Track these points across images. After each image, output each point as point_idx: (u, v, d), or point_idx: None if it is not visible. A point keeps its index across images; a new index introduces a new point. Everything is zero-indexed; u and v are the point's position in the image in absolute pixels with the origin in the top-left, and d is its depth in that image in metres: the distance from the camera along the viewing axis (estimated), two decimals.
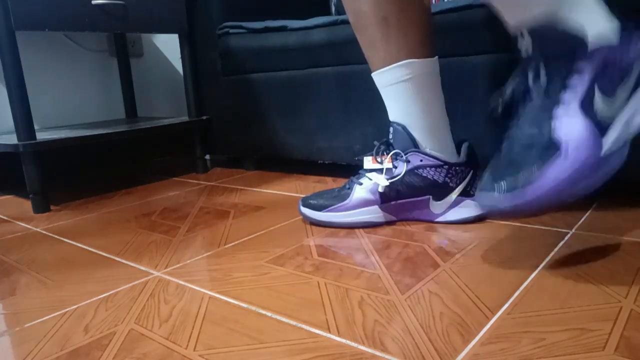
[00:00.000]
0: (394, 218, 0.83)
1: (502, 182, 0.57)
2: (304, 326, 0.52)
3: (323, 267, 0.68)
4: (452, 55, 0.95)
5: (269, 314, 0.56)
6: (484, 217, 0.81)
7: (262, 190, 1.15)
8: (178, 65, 1.76)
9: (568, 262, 0.63)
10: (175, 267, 0.71)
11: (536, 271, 0.61)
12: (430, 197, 0.81)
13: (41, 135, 1.16)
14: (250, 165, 1.42)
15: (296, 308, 0.56)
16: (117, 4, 1.15)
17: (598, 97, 0.57)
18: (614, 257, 0.64)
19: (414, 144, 0.79)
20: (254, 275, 0.66)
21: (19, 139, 1.05)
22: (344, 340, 0.49)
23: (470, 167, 0.81)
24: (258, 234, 0.84)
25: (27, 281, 0.70)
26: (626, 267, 0.61)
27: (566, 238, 0.71)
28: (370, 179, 0.81)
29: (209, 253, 0.76)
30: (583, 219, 0.79)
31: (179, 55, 1.43)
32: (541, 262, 0.64)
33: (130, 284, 0.66)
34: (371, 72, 0.81)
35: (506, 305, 0.53)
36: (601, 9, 0.58)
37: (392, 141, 0.82)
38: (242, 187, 1.19)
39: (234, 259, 0.73)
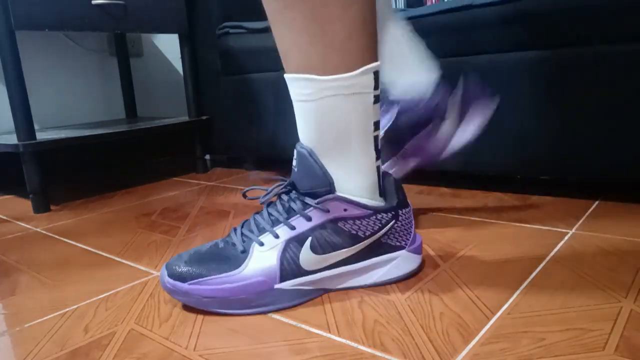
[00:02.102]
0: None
1: (182, 268, 0.57)
2: (304, 326, 0.52)
3: None
4: (452, 55, 0.95)
5: (269, 314, 0.56)
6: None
7: (262, 189, 1.15)
8: (178, 65, 1.76)
9: (568, 262, 0.63)
10: None
11: (536, 271, 0.61)
12: None
13: (41, 135, 1.16)
14: (250, 165, 1.42)
15: (296, 308, 0.56)
16: (117, 4, 1.15)
17: (308, 247, 0.57)
18: (614, 257, 0.64)
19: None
20: None
21: (19, 139, 1.05)
22: (344, 340, 0.49)
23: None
24: None
25: (27, 281, 0.70)
26: (626, 267, 0.61)
27: (566, 238, 0.71)
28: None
29: None
30: (583, 219, 0.79)
31: (179, 55, 1.43)
32: (541, 262, 0.64)
33: (130, 284, 0.66)
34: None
35: (506, 305, 0.53)
36: (361, 173, 0.57)
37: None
38: (242, 187, 1.19)
39: None
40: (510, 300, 0.54)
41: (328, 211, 0.57)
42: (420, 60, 0.75)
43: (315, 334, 0.51)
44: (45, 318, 0.58)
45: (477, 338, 0.48)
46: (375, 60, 0.55)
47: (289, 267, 0.56)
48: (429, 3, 1.81)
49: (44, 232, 0.94)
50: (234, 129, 1.38)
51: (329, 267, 0.58)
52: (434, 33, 0.97)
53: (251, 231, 0.59)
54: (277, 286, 0.56)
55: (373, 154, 0.57)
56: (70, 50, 1.50)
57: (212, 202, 1.07)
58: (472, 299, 0.55)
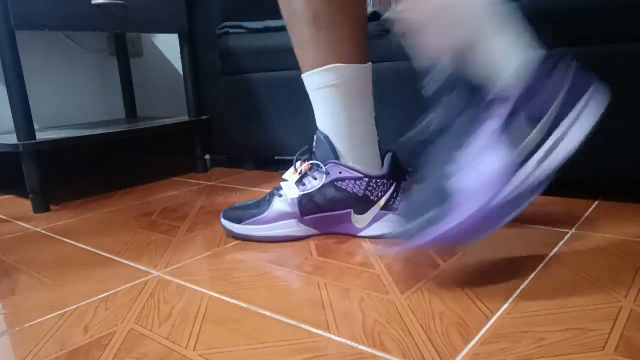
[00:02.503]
0: (316, 232, 0.79)
1: (410, 223, 0.56)
2: (304, 326, 0.52)
3: (323, 267, 0.68)
4: None
5: (269, 314, 0.56)
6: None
7: (262, 190, 1.15)
8: (178, 65, 1.76)
9: (568, 262, 0.63)
10: (175, 267, 0.71)
11: (536, 271, 0.61)
12: (352, 210, 0.76)
13: (41, 135, 1.16)
14: (250, 165, 1.42)
15: (296, 308, 0.56)
16: (117, 4, 1.15)
17: (517, 130, 0.55)
18: (614, 257, 0.64)
19: (335, 155, 0.75)
20: (254, 275, 0.66)
21: (19, 139, 1.05)
22: (344, 340, 0.49)
23: (393, 180, 0.76)
24: None
25: (27, 281, 0.70)
26: (626, 267, 0.61)
27: (566, 238, 0.71)
28: (290, 189, 0.77)
29: (209, 253, 0.76)
30: (583, 219, 0.79)
31: (179, 55, 1.43)
32: (541, 262, 0.64)
33: (130, 284, 0.66)
34: (301, 74, 0.77)
35: (506, 305, 0.53)
36: (524, 39, 0.56)
37: (314, 149, 0.78)
38: (242, 187, 1.19)
39: (234, 259, 0.73)
40: (510, 300, 0.54)
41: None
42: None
43: (315, 334, 0.51)
44: (45, 318, 0.58)
45: (477, 338, 0.48)
46: None
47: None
48: None
49: (44, 232, 0.94)
50: (234, 129, 1.38)
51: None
52: None
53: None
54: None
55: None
56: (70, 50, 1.50)
57: (212, 202, 1.07)
58: (472, 299, 0.55)
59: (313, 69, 0.74)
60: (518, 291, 0.56)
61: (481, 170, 0.54)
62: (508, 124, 0.55)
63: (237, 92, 1.33)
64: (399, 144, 0.75)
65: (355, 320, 0.53)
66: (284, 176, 0.80)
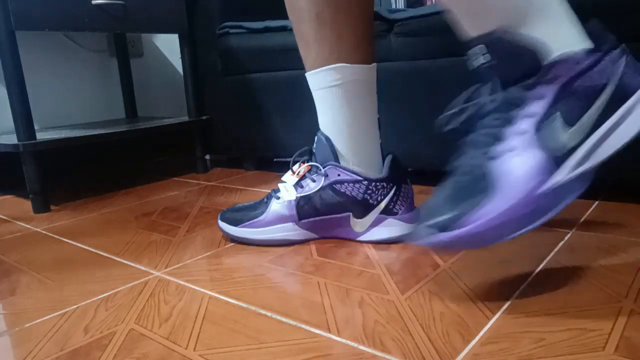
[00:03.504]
0: (314, 236, 0.78)
1: (438, 218, 0.52)
2: (304, 326, 0.52)
3: (323, 267, 0.68)
4: (458, 55, 0.95)
5: (269, 314, 0.56)
6: (406, 238, 0.75)
7: (262, 190, 1.15)
8: (178, 65, 1.76)
9: (568, 262, 0.63)
10: (175, 267, 0.71)
11: (536, 271, 0.61)
12: (350, 214, 0.75)
13: (41, 135, 1.16)
14: (250, 165, 1.42)
15: (296, 308, 0.56)
16: (117, 4, 1.15)
17: (558, 124, 0.52)
18: (614, 257, 0.64)
19: (335, 157, 0.74)
20: (254, 275, 0.66)
21: (19, 139, 1.05)
22: (344, 340, 0.49)
23: (393, 183, 0.74)
24: None
25: (27, 281, 0.70)
26: (626, 267, 0.61)
27: (566, 238, 0.71)
28: (287, 191, 0.76)
29: (209, 253, 0.76)
30: (583, 219, 0.79)
31: (179, 55, 1.43)
32: (541, 262, 0.64)
33: (130, 284, 0.66)
34: (305, 73, 0.76)
35: (506, 305, 0.53)
36: (572, 24, 0.53)
37: (314, 150, 0.76)
38: (242, 187, 1.19)
39: (234, 259, 0.73)
40: (510, 300, 0.54)
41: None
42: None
43: (315, 334, 0.51)
44: (45, 318, 0.58)
45: (477, 338, 0.48)
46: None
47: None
48: (428, 3, 1.81)
49: (44, 232, 0.94)
50: (234, 129, 1.38)
51: None
52: (438, 33, 0.97)
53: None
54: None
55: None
56: (70, 50, 1.50)
57: (212, 202, 1.07)
58: (472, 299, 0.55)
59: (316, 67, 0.73)
60: (518, 291, 0.56)
61: (529, 156, 0.51)
62: (557, 105, 0.52)
63: (237, 92, 1.33)
64: (438, 122, 0.63)
65: (355, 320, 0.53)
66: (283, 178, 0.79)
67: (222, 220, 0.80)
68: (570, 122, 0.52)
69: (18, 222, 1.02)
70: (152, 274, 0.70)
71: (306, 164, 0.77)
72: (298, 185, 0.76)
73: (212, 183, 1.27)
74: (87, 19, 1.10)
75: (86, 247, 0.83)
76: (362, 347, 0.47)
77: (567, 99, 0.52)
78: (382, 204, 0.74)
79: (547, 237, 0.72)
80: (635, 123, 0.52)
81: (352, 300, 0.57)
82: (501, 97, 0.54)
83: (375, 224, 0.75)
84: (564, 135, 0.52)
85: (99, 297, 0.63)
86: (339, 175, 0.73)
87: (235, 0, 1.36)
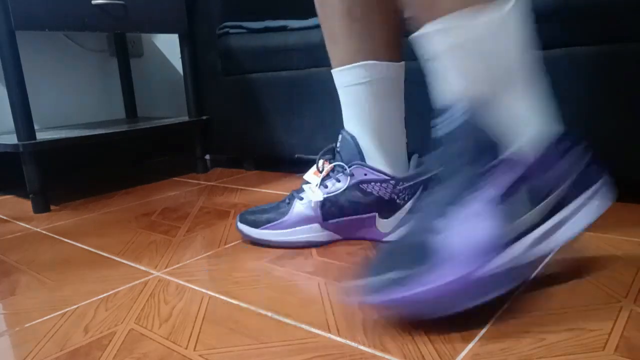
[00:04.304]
0: (338, 237, 0.76)
1: (379, 277, 0.50)
2: (304, 326, 0.52)
3: (323, 267, 0.68)
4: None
5: (269, 314, 0.56)
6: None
7: (262, 190, 1.15)
8: (178, 65, 1.76)
9: (568, 262, 0.63)
10: (175, 267, 0.71)
11: (536, 271, 0.61)
12: (376, 214, 0.73)
13: (41, 135, 1.16)
14: (250, 165, 1.42)
15: (296, 308, 0.56)
16: (117, 4, 1.15)
17: (517, 203, 0.51)
18: (614, 257, 0.64)
19: (361, 156, 0.72)
20: (254, 275, 0.66)
21: (19, 139, 1.05)
22: (344, 340, 0.49)
23: (421, 183, 0.73)
24: None
25: (27, 281, 0.70)
26: (626, 267, 0.61)
27: None
28: (312, 192, 0.74)
29: (209, 253, 0.76)
30: None
31: (179, 55, 1.43)
32: (541, 263, 0.64)
33: (130, 284, 0.66)
34: (331, 69, 0.74)
35: (506, 305, 0.53)
36: (548, 107, 0.53)
37: (338, 149, 0.74)
38: (242, 187, 1.19)
39: (234, 259, 0.73)
40: (511, 300, 0.54)
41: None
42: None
43: (315, 334, 0.51)
44: (45, 318, 0.58)
45: (477, 338, 0.48)
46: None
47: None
48: None
49: (44, 232, 0.94)
50: (234, 129, 1.38)
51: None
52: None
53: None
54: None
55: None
56: (70, 50, 1.50)
57: (212, 202, 1.07)
58: None
59: (344, 64, 0.71)
60: (518, 291, 0.56)
61: (471, 235, 0.49)
62: (509, 194, 0.50)
63: (237, 92, 1.33)
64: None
65: (355, 320, 0.53)
66: (305, 177, 0.76)
67: (242, 222, 0.77)
68: (513, 217, 0.51)
69: (18, 222, 1.02)
70: (152, 274, 0.70)
71: (330, 164, 0.75)
72: (322, 185, 0.74)
73: (212, 183, 1.27)
74: (87, 19, 1.10)
75: (86, 247, 0.83)
76: (362, 347, 0.47)
77: (530, 180, 0.52)
78: (409, 204, 0.72)
79: None
80: (585, 218, 0.54)
81: (352, 301, 0.57)
82: (456, 175, 0.52)
83: (402, 224, 0.73)
84: (512, 223, 0.51)
85: (99, 297, 0.63)
86: (365, 174, 0.71)
87: (235, 0, 1.36)
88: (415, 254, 0.50)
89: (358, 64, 0.69)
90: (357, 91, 0.71)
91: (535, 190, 0.52)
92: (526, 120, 0.52)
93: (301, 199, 0.74)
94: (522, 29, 0.51)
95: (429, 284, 0.47)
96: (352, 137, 0.72)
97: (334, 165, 0.74)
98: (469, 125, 0.51)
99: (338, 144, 0.75)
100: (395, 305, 0.49)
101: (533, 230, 0.52)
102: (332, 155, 0.76)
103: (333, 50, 0.73)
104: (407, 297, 0.48)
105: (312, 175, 0.76)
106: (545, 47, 0.85)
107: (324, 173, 0.74)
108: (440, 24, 0.50)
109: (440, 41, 0.51)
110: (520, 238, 0.51)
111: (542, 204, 0.52)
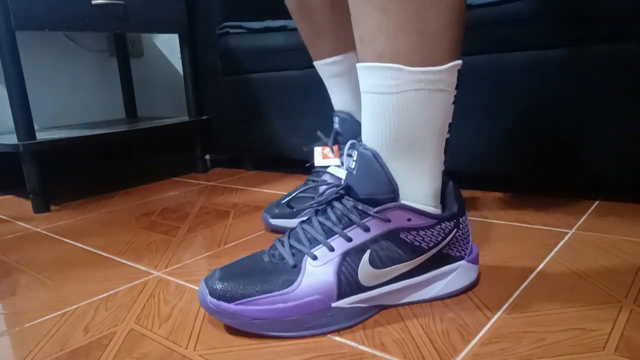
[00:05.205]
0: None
1: (223, 284, 0.51)
2: None
3: None
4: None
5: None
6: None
7: (262, 190, 1.15)
8: (178, 65, 1.76)
9: (568, 262, 0.63)
10: (175, 267, 0.71)
11: (536, 271, 0.61)
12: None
13: (41, 135, 1.16)
14: (250, 165, 1.42)
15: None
16: (117, 4, 1.15)
17: (366, 260, 0.51)
18: (614, 257, 0.64)
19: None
20: None
21: (19, 139, 1.05)
22: (344, 340, 0.49)
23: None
24: (258, 234, 0.84)
25: (27, 281, 0.70)
26: (626, 267, 0.61)
27: (566, 238, 0.71)
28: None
29: (209, 253, 0.76)
30: (583, 219, 0.79)
31: (179, 55, 1.43)
32: (541, 262, 0.64)
33: (130, 284, 0.66)
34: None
35: (506, 305, 0.53)
36: (434, 182, 0.52)
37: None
38: (242, 187, 1.19)
39: (233, 259, 0.73)
40: (510, 300, 0.54)
41: (389, 221, 0.51)
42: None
43: (315, 334, 0.50)
44: (45, 318, 0.58)
45: (477, 338, 0.48)
46: (460, 56, 0.50)
47: (347, 283, 0.51)
48: None
49: (44, 232, 0.94)
50: (234, 129, 1.38)
51: (388, 282, 0.53)
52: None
53: (301, 243, 0.53)
54: (334, 304, 0.51)
55: (442, 157, 0.53)
56: (70, 50, 1.50)
57: (212, 202, 1.07)
58: (472, 299, 0.55)
59: (330, 56, 0.70)
60: (518, 291, 0.56)
61: (322, 273, 0.50)
62: (369, 247, 0.51)
63: (237, 92, 1.33)
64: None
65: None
66: (316, 162, 0.66)
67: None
68: (375, 264, 0.51)
69: (18, 222, 1.02)
70: (152, 274, 0.70)
71: (339, 149, 0.65)
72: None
73: (212, 183, 1.27)
74: (87, 19, 1.10)
75: (86, 247, 0.83)
76: (362, 347, 0.47)
77: (387, 244, 0.51)
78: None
79: (547, 237, 0.72)
80: (429, 292, 0.55)
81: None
82: (340, 207, 0.53)
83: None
84: (364, 273, 0.51)
85: (99, 297, 0.63)
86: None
87: (235, 0, 1.36)
88: (268, 275, 0.51)
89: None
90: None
91: (405, 248, 0.52)
92: (409, 181, 0.51)
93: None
94: (437, 108, 0.49)
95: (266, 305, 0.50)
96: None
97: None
98: (367, 168, 0.51)
99: (337, 126, 0.71)
100: (237, 315, 0.50)
101: (405, 279, 0.53)
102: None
103: (317, 44, 0.74)
104: (254, 310, 0.50)
105: (321, 158, 0.70)
106: (546, 47, 0.85)
107: (336, 153, 0.69)
108: (368, 69, 0.49)
109: (368, 82, 0.50)
110: (386, 284, 0.53)
111: (420, 257, 0.53)
